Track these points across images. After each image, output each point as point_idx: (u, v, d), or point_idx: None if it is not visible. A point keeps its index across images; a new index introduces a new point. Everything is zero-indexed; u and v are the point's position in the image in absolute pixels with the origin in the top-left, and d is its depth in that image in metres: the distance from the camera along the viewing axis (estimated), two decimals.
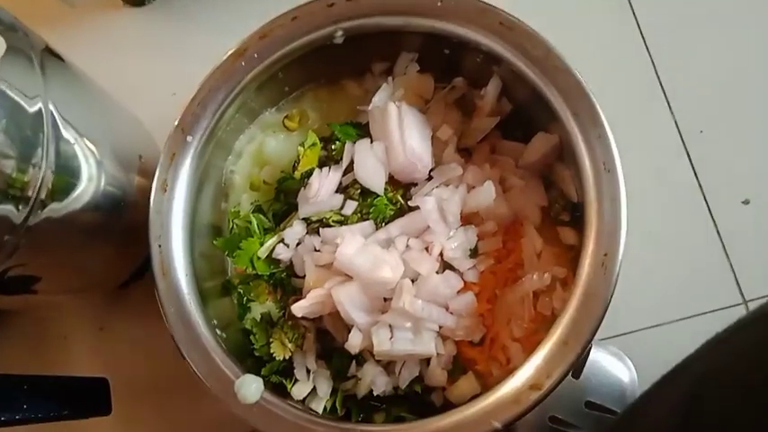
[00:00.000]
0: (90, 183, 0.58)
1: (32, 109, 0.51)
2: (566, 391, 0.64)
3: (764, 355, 0.38)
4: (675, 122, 0.75)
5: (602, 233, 0.53)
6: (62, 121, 0.55)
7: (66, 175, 0.55)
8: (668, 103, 0.75)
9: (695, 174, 0.73)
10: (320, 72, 0.69)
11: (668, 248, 0.72)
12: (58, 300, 0.73)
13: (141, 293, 0.75)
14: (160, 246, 0.59)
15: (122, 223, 0.63)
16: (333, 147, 0.64)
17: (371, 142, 0.63)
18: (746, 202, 0.72)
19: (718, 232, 0.72)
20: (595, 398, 0.65)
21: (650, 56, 0.76)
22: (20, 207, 0.50)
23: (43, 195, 0.52)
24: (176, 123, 0.61)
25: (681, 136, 0.74)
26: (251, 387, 0.54)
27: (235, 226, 0.66)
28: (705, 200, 0.73)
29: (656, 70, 0.76)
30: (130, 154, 0.66)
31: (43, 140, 0.51)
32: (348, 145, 0.63)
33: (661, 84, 0.76)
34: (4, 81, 0.48)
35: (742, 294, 0.70)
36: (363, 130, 0.65)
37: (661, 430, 0.43)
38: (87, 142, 0.58)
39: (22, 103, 0.50)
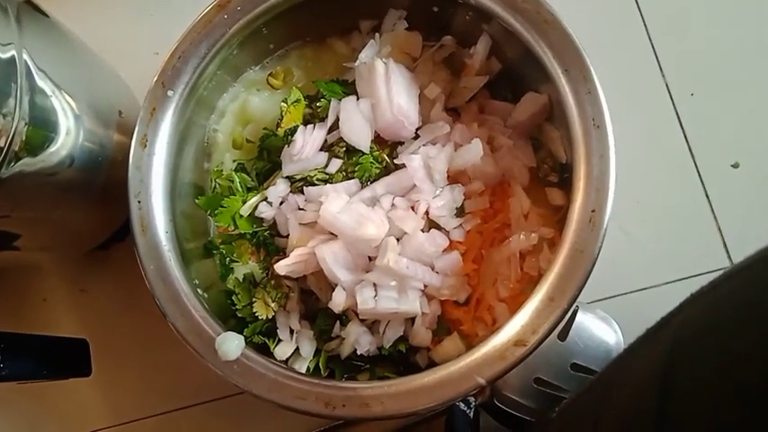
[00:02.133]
0: (67, 137, 0.57)
1: (5, 56, 0.50)
2: (552, 352, 0.64)
3: (744, 307, 0.37)
4: (666, 85, 0.74)
5: (590, 189, 0.52)
6: (38, 71, 0.53)
7: (42, 128, 0.54)
8: (659, 66, 0.74)
9: (685, 137, 0.73)
10: (306, 29, 0.67)
11: (656, 211, 0.72)
12: (39, 258, 0.72)
13: (122, 256, 0.74)
14: (140, 202, 0.58)
15: (101, 180, 0.62)
16: (318, 104, 0.63)
17: (357, 100, 0.61)
18: (736, 166, 0.72)
19: (706, 195, 0.71)
20: (581, 360, 0.64)
21: (642, 17, 0.75)
22: None
23: (16, 147, 0.50)
24: (156, 77, 0.59)
25: (671, 98, 0.73)
26: (232, 344, 0.53)
27: (217, 185, 0.65)
28: (694, 163, 0.72)
29: (647, 32, 0.75)
30: (110, 109, 0.64)
31: (16, 90, 0.50)
32: (334, 102, 0.62)
33: (653, 45, 0.74)
34: None
35: (730, 258, 0.70)
36: (349, 89, 0.64)
37: (643, 385, 0.42)
38: (65, 95, 0.56)
39: None
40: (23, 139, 0.51)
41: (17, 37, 0.51)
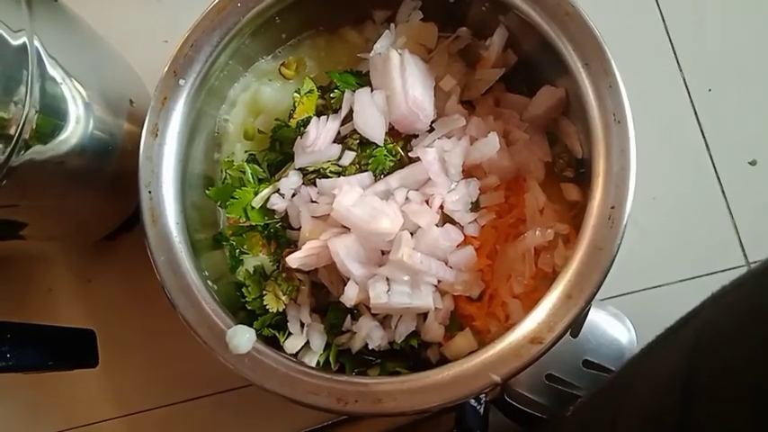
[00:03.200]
0: (77, 125, 0.56)
1: (16, 42, 0.49)
2: (564, 349, 0.63)
3: (765, 310, 0.36)
4: (684, 80, 0.73)
5: (610, 185, 0.51)
6: (48, 59, 0.52)
7: (52, 116, 0.53)
8: (677, 61, 0.73)
9: (702, 133, 0.72)
10: (319, 19, 0.66)
11: (672, 208, 0.71)
12: (45, 248, 0.71)
13: (130, 246, 0.73)
14: (150, 192, 0.57)
15: (110, 170, 0.61)
16: (331, 95, 0.62)
17: (372, 91, 0.60)
18: (753, 163, 0.71)
19: (723, 193, 0.70)
20: (594, 357, 0.64)
21: (660, 11, 0.74)
22: (0, 145, 0.48)
23: (27, 135, 0.49)
24: (168, 66, 0.58)
25: (689, 94, 0.73)
26: (243, 337, 0.53)
27: (228, 176, 0.64)
28: (711, 160, 0.71)
29: (665, 27, 0.74)
30: (121, 98, 0.63)
31: (27, 77, 0.49)
32: (347, 93, 0.61)
33: (671, 40, 0.73)
34: None
35: (746, 256, 0.69)
36: (363, 80, 0.63)
37: (662, 386, 0.42)
38: (75, 83, 0.56)
39: (5, 35, 0.48)
40: (34, 127, 0.50)
41: (28, 23, 0.50)
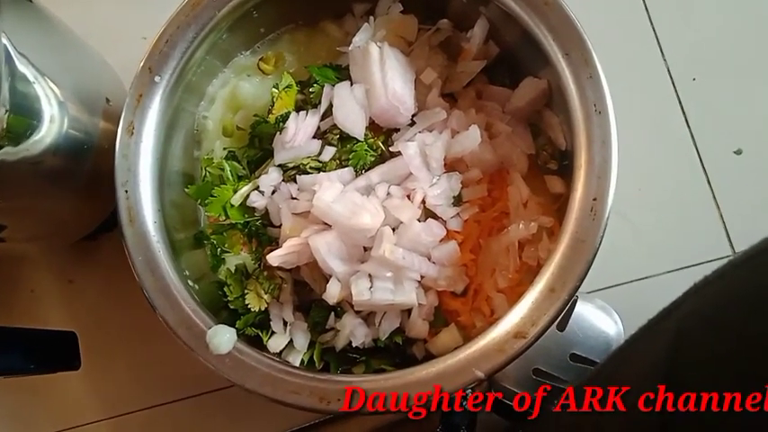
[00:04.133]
0: (51, 125, 0.55)
1: None
2: (551, 343, 0.63)
3: (749, 298, 0.36)
4: (668, 69, 0.72)
5: (592, 177, 0.51)
6: (18, 56, 0.51)
7: (24, 116, 0.52)
8: (661, 49, 0.73)
9: (687, 122, 0.71)
10: (298, 13, 0.66)
11: (658, 199, 0.70)
12: (25, 249, 0.70)
13: (111, 246, 0.72)
14: (127, 191, 0.56)
15: (87, 169, 0.60)
16: (311, 90, 0.61)
17: (351, 85, 0.60)
18: (739, 152, 0.70)
19: (709, 183, 0.70)
20: (581, 350, 0.63)
21: (644, 1, 0.73)
22: None
23: None
24: (143, 62, 0.58)
25: (673, 83, 0.72)
26: (224, 337, 0.52)
27: (207, 174, 0.63)
28: (696, 149, 0.71)
29: (649, 16, 0.73)
30: (97, 97, 0.62)
31: None
32: (327, 88, 0.60)
33: (654, 29, 0.73)
34: None
35: (732, 246, 0.68)
36: (343, 74, 0.62)
37: (646, 376, 0.41)
38: (49, 82, 0.55)
39: None
40: (4, 126, 0.49)
41: None
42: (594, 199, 0.50)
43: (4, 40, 0.49)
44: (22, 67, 0.51)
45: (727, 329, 0.37)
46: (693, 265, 0.68)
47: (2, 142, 0.49)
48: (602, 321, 0.65)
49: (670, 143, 0.71)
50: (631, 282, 0.69)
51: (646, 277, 0.69)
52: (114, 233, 0.71)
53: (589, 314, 0.65)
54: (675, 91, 0.72)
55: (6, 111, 0.49)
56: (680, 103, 0.71)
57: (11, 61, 0.50)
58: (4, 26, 0.50)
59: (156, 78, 0.57)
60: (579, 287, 0.50)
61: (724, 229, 0.69)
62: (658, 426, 0.38)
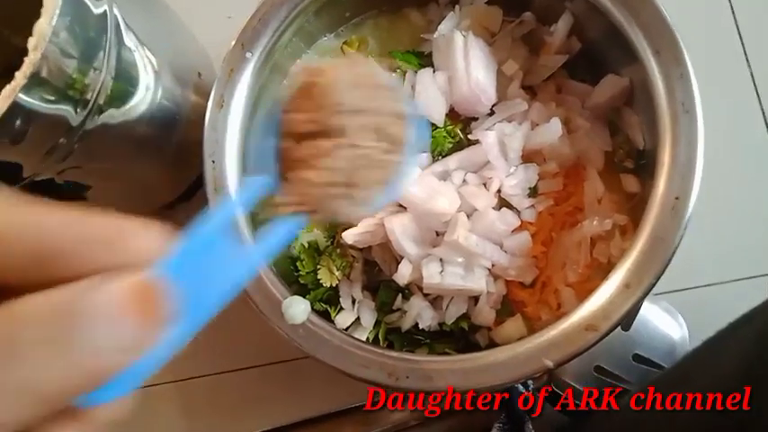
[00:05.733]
0: (147, 93, 0.57)
1: (98, 11, 0.50)
2: (614, 341, 0.62)
3: None
4: (752, 74, 0.71)
5: (675, 175, 0.51)
6: (125, 27, 0.54)
7: (125, 83, 0.54)
8: (745, 53, 0.71)
9: (767, 127, 0.70)
10: None
11: (732, 204, 0.69)
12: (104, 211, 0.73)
13: (187, 216, 0.74)
14: (214, 162, 0.58)
15: (175, 140, 0.62)
16: (394, 75, 0.62)
17: (434, 72, 0.61)
18: None
19: None
20: (644, 351, 0.63)
21: (734, 14, 0.72)
22: (78, 110, 0.49)
23: (102, 101, 0.51)
24: (236, 38, 0.59)
25: (756, 88, 0.70)
26: (299, 308, 0.53)
27: None
28: None
29: (734, 15, 0.72)
30: (189, 70, 0.65)
31: (106, 44, 0.50)
32: (410, 73, 0.61)
33: (742, 42, 0.71)
34: None
35: None
36: (425, 60, 0.63)
37: (721, 384, 0.41)
38: (147, 52, 0.57)
39: (88, 3, 0.49)
40: (108, 92, 0.51)
41: None
42: (677, 198, 0.50)
43: (116, 11, 0.52)
44: (126, 36, 0.54)
45: None
46: (763, 275, 0.67)
47: (104, 107, 0.52)
48: (667, 324, 0.65)
49: (749, 148, 0.70)
50: (699, 287, 0.68)
51: (715, 283, 0.68)
52: (192, 203, 0.74)
53: (654, 316, 0.65)
54: (758, 96, 0.70)
55: (112, 77, 0.51)
56: (762, 108, 0.70)
57: (119, 31, 0.52)
58: None
59: (248, 55, 0.59)
60: (654, 285, 0.50)
61: None
62: (736, 427, 0.38)
